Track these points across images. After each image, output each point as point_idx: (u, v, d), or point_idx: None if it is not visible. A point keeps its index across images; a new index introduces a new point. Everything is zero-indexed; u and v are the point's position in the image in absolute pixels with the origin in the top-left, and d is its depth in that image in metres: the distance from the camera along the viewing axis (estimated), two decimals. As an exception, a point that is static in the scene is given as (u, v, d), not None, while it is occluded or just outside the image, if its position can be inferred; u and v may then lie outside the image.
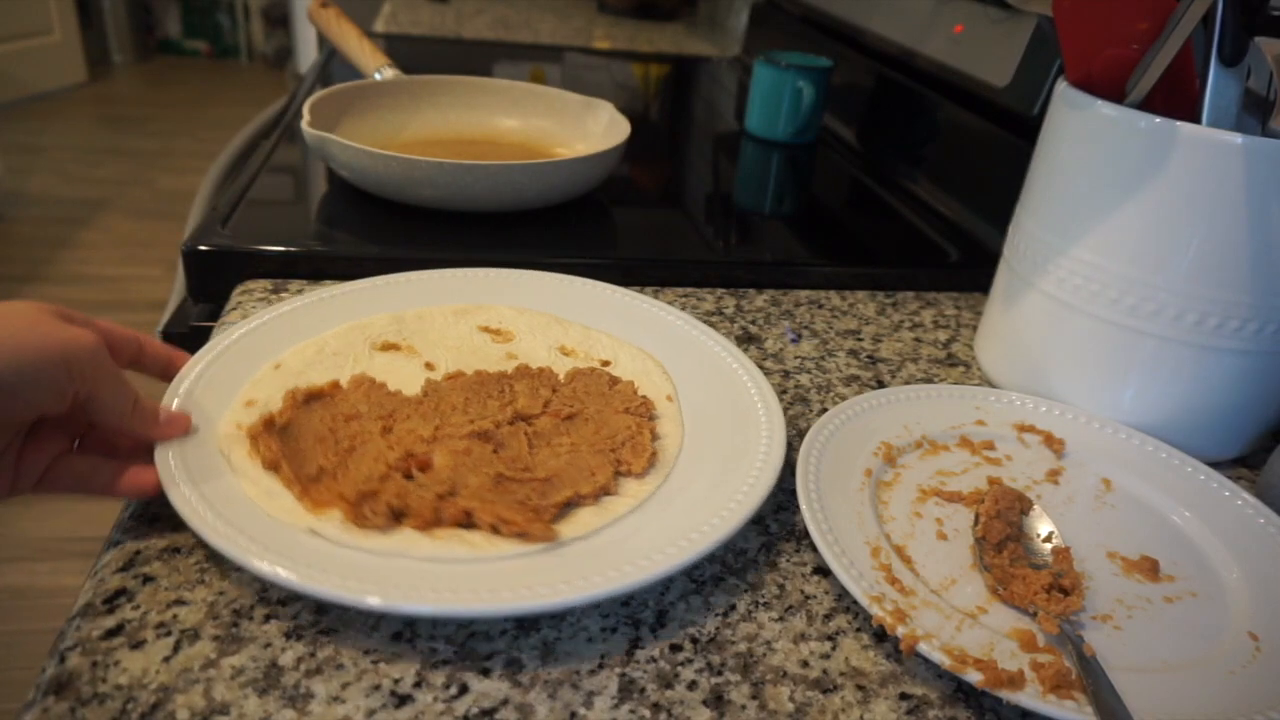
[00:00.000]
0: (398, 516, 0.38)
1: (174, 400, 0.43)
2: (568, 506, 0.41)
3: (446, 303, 0.56)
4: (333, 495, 0.39)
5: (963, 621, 0.37)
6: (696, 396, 0.50)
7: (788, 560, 0.42)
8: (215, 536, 0.35)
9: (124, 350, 0.43)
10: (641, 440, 0.45)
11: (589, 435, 0.45)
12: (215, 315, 0.60)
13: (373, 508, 0.38)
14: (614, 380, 0.50)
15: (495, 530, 0.38)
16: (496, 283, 0.59)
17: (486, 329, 0.55)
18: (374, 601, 0.33)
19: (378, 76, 0.88)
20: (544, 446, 0.44)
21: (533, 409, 0.46)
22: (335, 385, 0.46)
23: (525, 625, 0.37)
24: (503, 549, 0.38)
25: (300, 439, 0.42)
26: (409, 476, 0.41)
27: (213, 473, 0.39)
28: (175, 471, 0.39)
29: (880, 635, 0.38)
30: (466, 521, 0.39)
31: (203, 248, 0.61)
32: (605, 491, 0.42)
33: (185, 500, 0.37)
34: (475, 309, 0.56)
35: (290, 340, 0.50)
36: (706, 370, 0.52)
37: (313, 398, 0.45)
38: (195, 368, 0.45)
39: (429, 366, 0.50)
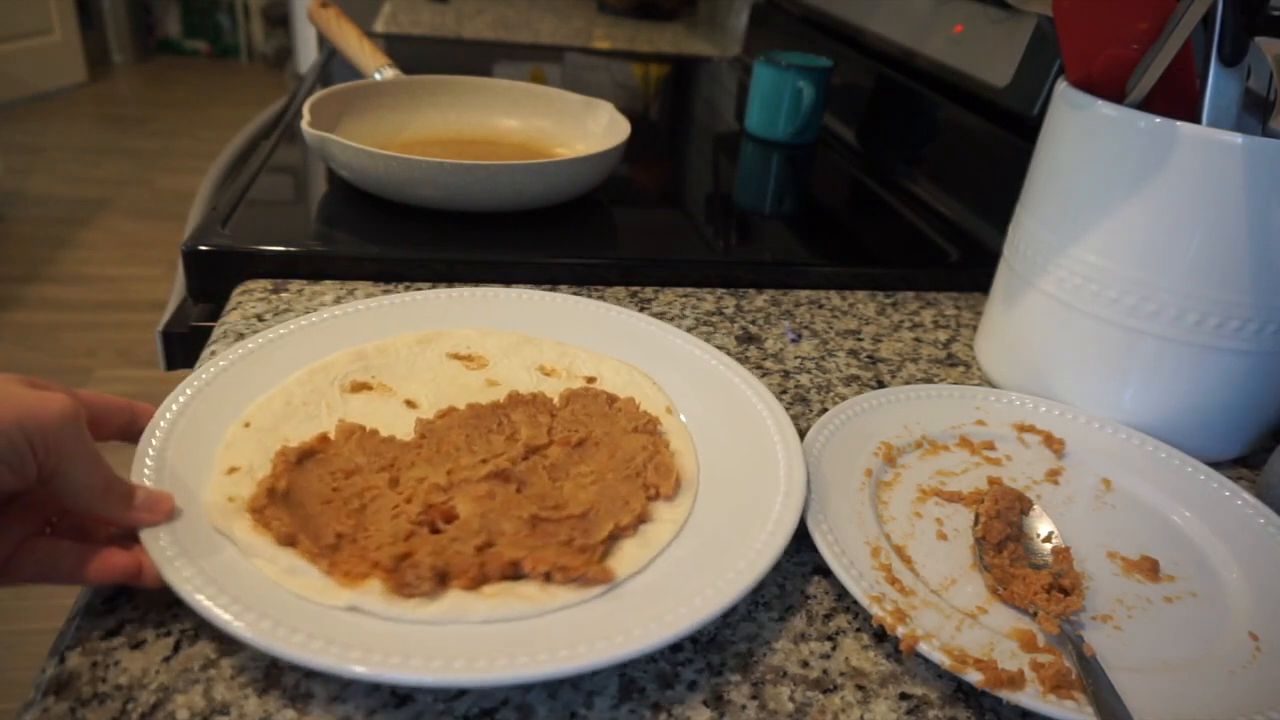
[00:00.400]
0: (441, 578, 0.36)
1: (143, 470, 0.39)
2: (610, 540, 0.39)
3: (406, 331, 0.53)
4: (364, 563, 0.36)
5: (963, 621, 0.37)
6: (693, 405, 0.49)
7: (788, 560, 0.42)
8: (254, 633, 0.31)
9: (111, 420, 0.39)
10: (663, 460, 0.44)
11: (606, 460, 0.44)
12: (215, 315, 0.60)
13: (416, 573, 0.35)
14: (612, 398, 0.48)
15: (547, 578, 0.36)
16: (454, 305, 0.56)
17: (456, 356, 0.52)
18: (466, 678, 0.31)
19: (378, 76, 0.88)
20: (565, 478, 0.42)
21: (539, 439, 0.44)
22: (324, 439, 0.43)
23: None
24: (561, 598, 0.36)
25: (305, 504, 0.39)
26: (435, 530, 0.38)
27: (220, 557, 0.36)
28: (181, 566, 0.34)
29: (880, 635, 0.38)
30: (513, 573, 0.37)
31: (203, 248, 0.61)
32: (641, 519, 0.41)
33: (200, 592, 0.33)
34: (437, 335, 0.53)
35: (250, 390, 0.46)
36: (692, 374, 0.51)
37: (305, 456, 0.42)
38: (156, 431, 0.41)
39: (410, 404, 0.48)
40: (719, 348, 0.59)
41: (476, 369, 0.52)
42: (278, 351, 0.49)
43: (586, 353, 0.54)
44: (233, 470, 0.41)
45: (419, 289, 0.62)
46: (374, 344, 0.52)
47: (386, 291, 0.61)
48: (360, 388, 0.49)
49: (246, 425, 0.44)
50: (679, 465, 0.44)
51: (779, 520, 0.40)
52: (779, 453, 0.44)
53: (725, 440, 0.46)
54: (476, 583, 0.36)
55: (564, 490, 0.41)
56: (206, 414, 0.44)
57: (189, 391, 0.44)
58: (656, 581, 0.37)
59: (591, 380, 0.51)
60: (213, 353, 0.53)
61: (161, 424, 0.42)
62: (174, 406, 0.43)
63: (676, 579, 0.37)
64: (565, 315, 0.57)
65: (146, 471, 0.39)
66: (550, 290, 0.64)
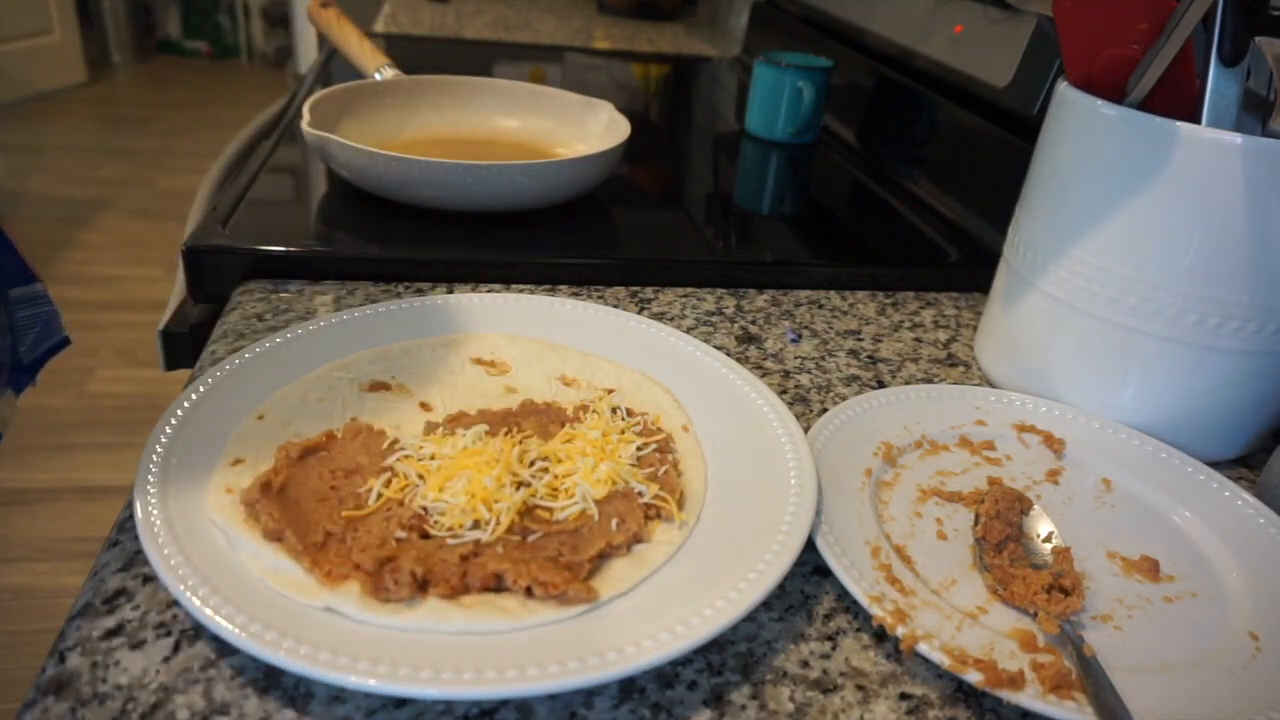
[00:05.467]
0: (422, 585, 0.35)
1: (154, 453, 0.39)
2: (600, 558, 0.38)
3: (433, 334, 0.53)
4: (347, 565, 0.36)
5: (963, 621, 0.37)
6: (712, 425, 0.48)
7: (788, 560, 0.42)
8: (219, 621, 0.32)
9: None
10: (667, 480, 0.43)
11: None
12: (215, 315, 0.60)
13: (395, 578, 0.35)
14: (628, 413, 0.48)
15: (529, 592, 0.36)
16: (484, 309, 0.56)
17: (479, 361, 0.52)
18: (431, 691, 0.31)
19: (378, 76, 0.88)
20: (564, 493, 0.41)
21: (545, 449, 0.44)
22: (330, 436, 0.43)
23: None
24: (540, 614, 0.35)
25: (300, 501, 0.39)
26: (425, 536, 0.38)
27: (208, 545, 0.36)
28: (166, 548, 0.35)
29: (880, 635, 0.38)
30: (496, 584, 0.36)
31: (203, 248, 0.61)
32: (637, 539, 0.39)
33: (183, 581, 0.33)
34: (464, 339, 0.53)
35: (270, 383, 0.47)
36: (716, 394, 0.50)
37: (308, 452, 0.42)
38: (172, 418, 0.42)
39: (424, 407, 0.47)
40: (719, 348, 0.59)
41: (498, 375, 0.51)
42: (304, 346, 0.50)
43: (610, 364, 0.53)
44: (237, 462, 0.41)
45: (439, 290, 0.62)
46: (399, 344, 0.52)
47: (415, 292, 0.61)
48: (379, 387, 0.49)
49: (260, 418, 0.44)
50: (685, 486, 0.43)
51: (772, 563, 0.37)
52: (791, 486, 0.42)
53: (739, 465, 0.45)
54: (457, 592, 0.35)
55: (559, 503, 0.41)
56: (225, 404, 0.44)
57: (210, 381, 0.45)
58: (641, 605, 0.36)
59: (610, 392, 0.51)
60: (213, 353, 0.53)
61: (179, 411, 0.42)
62: (194, 395, 0.44)
63: (660, 606, 0.36)
64: (594, 325, 0.56)
65: (156, 456, 0.39)
66: (553, 291, 0.64)
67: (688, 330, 0.61)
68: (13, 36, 3.63)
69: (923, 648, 0.35)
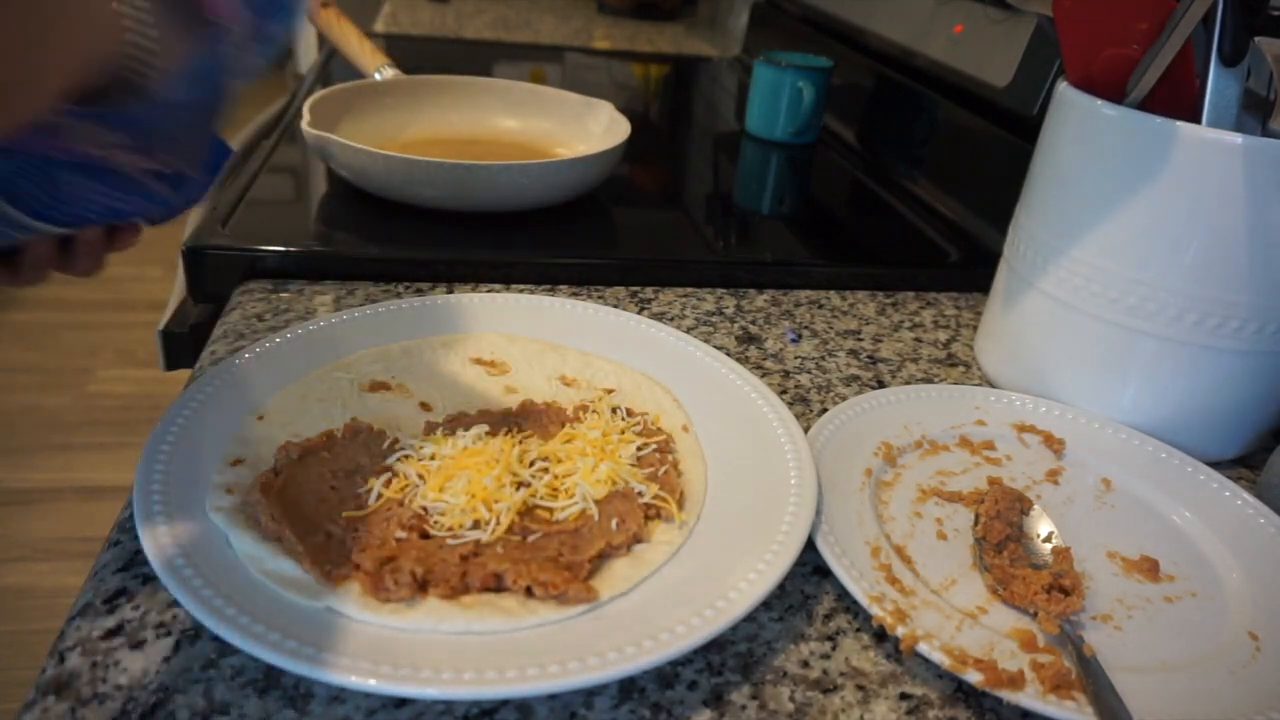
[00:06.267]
0: (422, 585, 0.35)
1: (159, 455, 0.39)
2: (600, 558, 0.38)
3: (433, 334, 0.53)
4: (347, 565, 0.36)
5: (963, 621, 0.37)
6: (712, 425, 0.48)
7: (788, 560, 0.41)
8: (219, 622, 0.32)
9: None
10: (667, 480, 0.43)
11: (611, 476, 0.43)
12: (215, 315, 0.60)
13: (395, 578, 0.35)
14: (628, 413, 0.48)
15: (529, 592, 0.36)
16: (484, 309, 0.56)
17: (479, 361, 0.52)
18: (431, 692, 0.30)
19: (378, 76, 0.88)
20: (564, 493, 0.41)
21: (545, 450, 0.44)
22: (330, 436, 0.43)
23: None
24: (540, 614, 0.35)
25: (300, 501, 0.39)
26: (425, 536, 0.38)
27: (208, 545, 0.36)
28: (167, 548, 0.35)
29: (880, 635, 0.38)
30: (496, 584, 0.36)
31: (203, 248, 0.61)
32: (637, 539, 0.39)
33: (183, 581, 0.33)
34: (464, 339, 0.54)
35: (270, 383, 0.47)
36: (716, 394, 0.50)
37: (308, 452, 0.42)
38: (178, 419, 0.42)
39: (424, 407, 0.47)
40: (719, 348, 0.59)
41: (497, 375, 0.51)
42: (304, 346, 0.50)
43: (609, 364, 0.53)
44: (237, 462, 0.41)
45: (439, 290, 0.62)
46: (399, 344, 0.52)
47: (416, 292, 0.61)
48: (379, 387, 0.49)
49: (260, 418, 0.44)
50: (685, 486, 0.43)
51: (772, 563, 0.37)
52: (791, 486, 0.42)
53: (739, 465, 0.45)
54: (457, 592, 0.35)
55: (559, 502, 0.41)
56: (225, 404, 0.44)
57: (210, 381, 0.45)
58: (640, 605, 0.36)
59: (610, 392, 0.50)
60: (213, 353, 0.53)
61: (179, 411, 0.43)
62: (194, 395, 0.44)
63: (660, 606, 0.36)
64: (594, 325, 0.56)
65: (161, 457, 0.40)
66: (553, 291, 0.64)
67: (688, 330, 0.61)
68: (13, 36, 3.63)
69: (923, 648, 0.35)
